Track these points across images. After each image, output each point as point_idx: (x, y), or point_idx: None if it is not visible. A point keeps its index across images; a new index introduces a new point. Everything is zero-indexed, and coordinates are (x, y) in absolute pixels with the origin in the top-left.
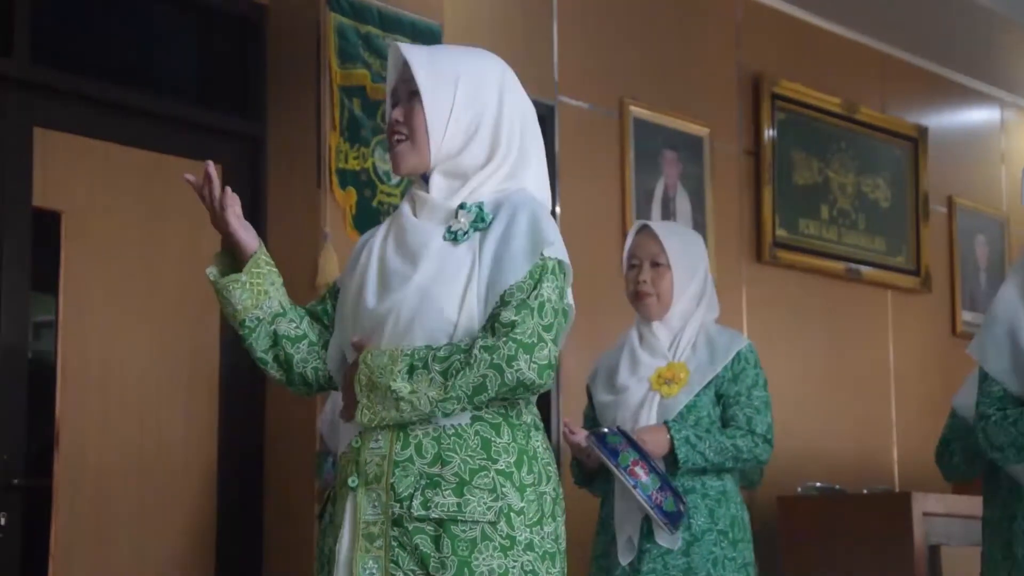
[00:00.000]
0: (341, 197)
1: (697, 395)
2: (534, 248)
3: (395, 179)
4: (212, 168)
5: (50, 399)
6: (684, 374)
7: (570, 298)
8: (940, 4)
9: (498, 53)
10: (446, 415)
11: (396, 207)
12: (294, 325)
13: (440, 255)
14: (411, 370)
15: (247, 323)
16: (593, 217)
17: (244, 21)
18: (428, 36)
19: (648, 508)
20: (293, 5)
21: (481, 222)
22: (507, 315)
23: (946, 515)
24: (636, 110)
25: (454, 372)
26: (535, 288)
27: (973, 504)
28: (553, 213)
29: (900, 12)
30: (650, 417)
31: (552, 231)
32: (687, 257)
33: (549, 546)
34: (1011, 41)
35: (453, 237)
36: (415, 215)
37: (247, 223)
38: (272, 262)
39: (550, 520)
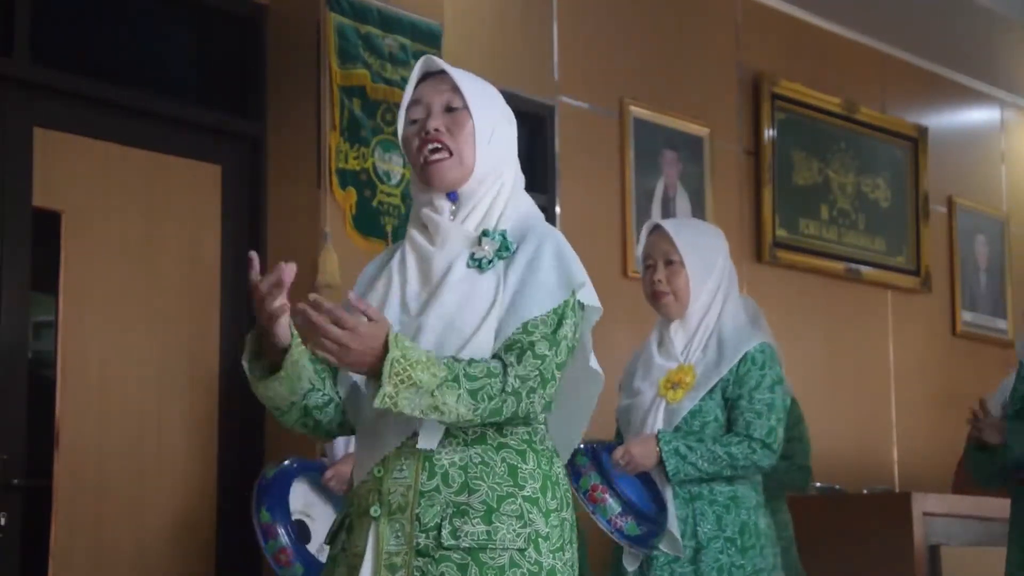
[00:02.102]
0: (341, 197)
1: (703, 399)
2: (565, 285)
3: (395, 179)
4: (287, 274)
5: (50, 399)
6: (690, 378)
7: (595, 364)
8: (940, 4)
9: (498, 53)
10: (460, 427)
11: (395, 206)
12: (321, 394)
13: (465, 283)
14: (447, 381)
15: (283, 408)
16: (593, 217)
17: (244, 21)
18: (428, 36)
19: (608, 532)
20: (293, 5)
21: (506, 251)
22: (541, 348)
23: (946, 515)
24: (636, 110)
25: (486, 397)
26: (559, 324)
27: (973, 504)
28: (552, 213)
29: (900, 12)
30: (656, 423)
31: (581, 271)
32: (701, 252)
33: (569, 573)
34: (1011, 41)
35: (478, 264)
36: (432, 243)
37: (286, 304)
38: (300, 342)
39: (569, 546)
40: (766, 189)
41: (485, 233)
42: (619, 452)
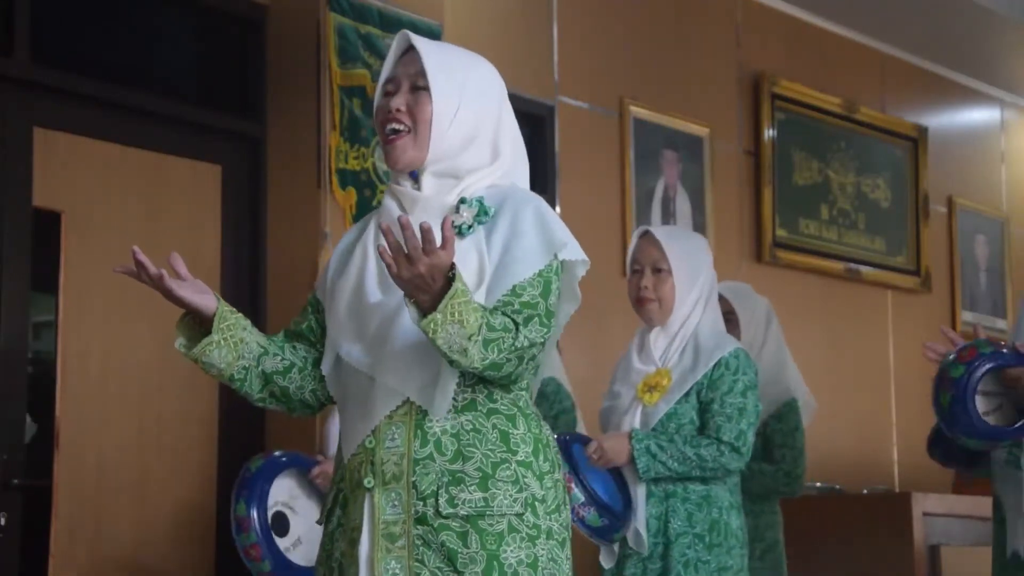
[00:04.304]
0: (341, 197)
1: (678, 403)
2: (546, 247)
3: None
4: (140, 254)
5: (50, 399)
6: (667, 381)
7: (577, 289)
8: (940, 4)
9: (498, 53)
10: (460, 368)
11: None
12: (279, 359)
13: None
14: (481, 327)
15: (236, 376)
16: (593, 217)
17: (244, 21)
18: (428, 36)
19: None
20: (293, 5)
21: (484, 215)
22: (543, 305)
23: (946, 515)
24: (636, 110)
25: (496, 350)
26: (547, 291)
27: (973, 504)
28: None
29: (900, 12)
30: (633, 424)
31: (561, 230)
32: (689, 262)
33: (565, 533)
34: (1011, 41)
35: (458, 231)
36: (405, 211)
37: (195, 281)
38: (232, 308)
39: (564, 507)
40: (766, 189)
41: (463, 201)
42: (592, 446)
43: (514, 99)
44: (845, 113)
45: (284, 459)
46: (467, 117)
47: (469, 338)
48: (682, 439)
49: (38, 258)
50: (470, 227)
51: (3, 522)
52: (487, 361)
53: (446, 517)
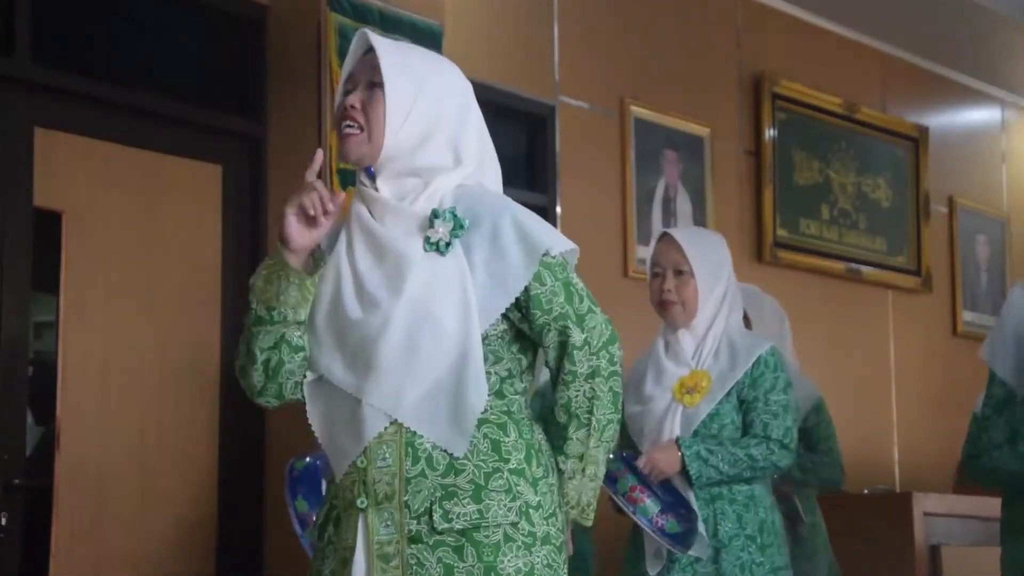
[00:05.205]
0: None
1: (719, 403)
2: (531, 255)
3: None
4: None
5: (51, 399)
6: (706, 382)
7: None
8: (940, 4)
9: (498, 53)
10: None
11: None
12: (299, 335)
13: (428, 267)
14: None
15: (274, 314)
16: (593, 217)
17: (244, 21)
18: (429, 36)
19: (650, 531)
20: (293, 5)
21: (460, 229)
22: (586, 303)
23: (947, 515)
24: (636, 110)
25: (608, 419)
26: (570, 291)
27: (973, 504)
28: (553, 213)
29: (900, 12)
30: (674, 428)
31: (541, 232)
32: (710, 263)
33: (561, 538)
34: (1011, 41)
35: (435, 247)
36: (374, 218)
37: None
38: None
39: (559, 511)
40: (767, 189)
41: (435, 214)
42: (642, 461)
43: (514, 99)
44: (846, 113)
45: (317, 463)
46: (422, 115)
47: (600, 464)
48: (730, 441)
49: (38, 258)
50: (448, 244)
51: (3, 522)
52: (614, 424)
53: (441, 533)
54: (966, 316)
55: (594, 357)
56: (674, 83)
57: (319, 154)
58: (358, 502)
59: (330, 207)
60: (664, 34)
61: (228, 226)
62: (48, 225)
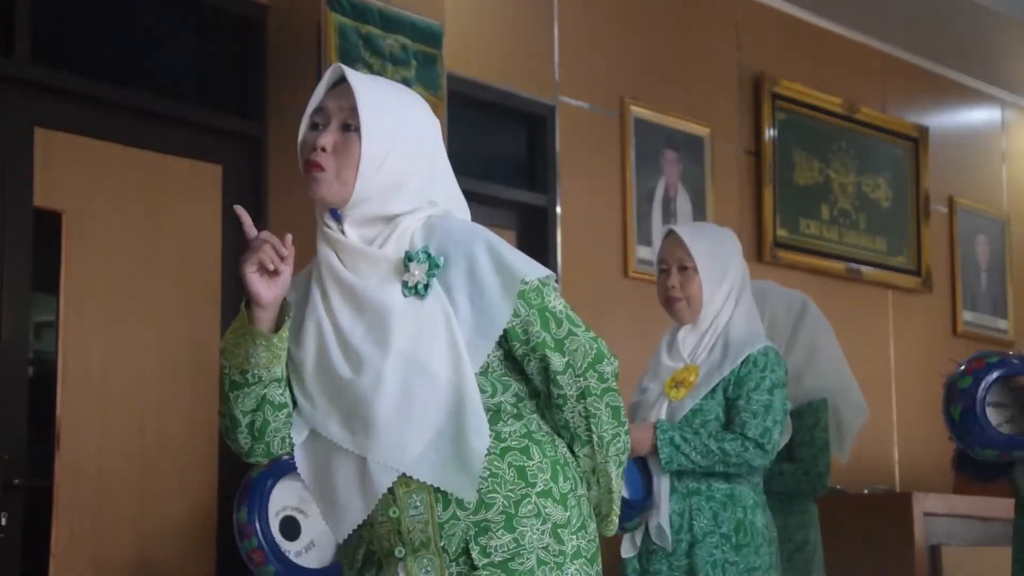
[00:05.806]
0: None
1: (704, 399)
2: (508, 287)
3: None
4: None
5: (50, 399)
6: (694, 377)
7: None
8: (940, 4)
9: (498, 53)
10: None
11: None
12: (279, 392)
13: (411, 314)
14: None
15: (248, 376)
16: (594, 217)
17: (244, 21)
18: (429, 36)
19: None
20: (293, 5)
21: (436, 268)
22: (579, 329)
23: (947, 515)
24: (636, 110)
25: (603, 443)
26: (558, 317)
27: (974, 504)
28: (553, 213)
29: (900, 12)
30: (658, 418)
31: (517, 261)
32: (715, 258)
33: (593, 548)
34: (1011, 41)
35: (414, 291)
36: (345, 266)
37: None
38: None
39: (589, 521)
40: (767, 189)
41: (409, 257)
42: None
43: (514, 99)
44: (846, 113)
45: (290, 462)
46: (397, 162)
47: (614, 476)
48: (707, 433)
49: (38, 258)
50: (426, 286)
51: (3, 522)
52: (621, 437)
53: (481, 568)
54: (966, 316)
55: (580, 379)
56: (674, 83)
57: (240, 209)
58: (396, 551)
59: (285, 252)
60: (664, 34)
61: (228, 226)
62: (48, 225)
